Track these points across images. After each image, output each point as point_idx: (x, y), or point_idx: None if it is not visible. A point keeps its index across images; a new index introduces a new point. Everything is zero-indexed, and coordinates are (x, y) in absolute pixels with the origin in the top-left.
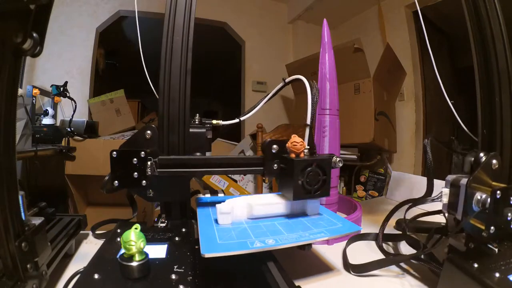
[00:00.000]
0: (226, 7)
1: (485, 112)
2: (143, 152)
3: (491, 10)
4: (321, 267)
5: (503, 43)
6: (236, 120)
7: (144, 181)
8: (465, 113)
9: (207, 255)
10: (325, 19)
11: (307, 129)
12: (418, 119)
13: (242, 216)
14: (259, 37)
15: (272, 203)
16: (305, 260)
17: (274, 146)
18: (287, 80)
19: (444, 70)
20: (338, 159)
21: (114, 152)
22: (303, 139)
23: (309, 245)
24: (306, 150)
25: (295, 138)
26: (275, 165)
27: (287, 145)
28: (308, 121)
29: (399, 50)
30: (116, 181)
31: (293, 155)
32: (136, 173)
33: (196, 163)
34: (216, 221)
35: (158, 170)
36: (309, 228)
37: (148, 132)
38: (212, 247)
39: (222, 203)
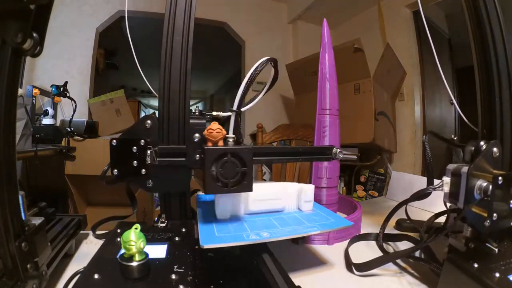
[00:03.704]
0: (226, 7)
1: (485, 112)
2: (142, 141)
3: (491, 10)
4: (322, 267)
5: (503, 43)
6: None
7: (143, 170)
8: (465, 113)
9: (205, 246)
10: (325, 19)
11: (233, 116)
12: (418, 119)
13: (239, 211)
14: (259, 37)
15: (268, 199)
16: (306, 260)
17: (196, 134)
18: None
19: (444, 70)
20: (338, 150)
21: (114, 141)
22: (305, 138)
23: (302, 238)
24: (230, 139)
25: (213, 125)
26: (197, 155)
27: (203, 132)
28: (235, 107)
29: (399, 50)
30: (116, 170)
31: (210, 144)
32: (135, 161)
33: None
34: (214, 215)
35: (158, 159)
36: (302, 222)
37: (148, 121)
38: (211, 239)
39: (221, 197)
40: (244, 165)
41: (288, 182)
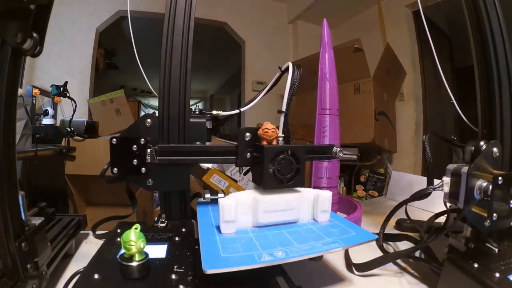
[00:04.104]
0: (226, 7)
1: (485, 112)
2: (142, 139)
3: (491, 10)
4: (322, 267)
5: (503, 43)
6: (237, 111)
7: (143, 169)
8: (465, 113)
9: (209, 272)
10: (325, 19)
11: (282, 117)
12: (418, 119)
13: (247, 224)
14: (259, 37)
15: (280, 210)
16: (306, 260)
17: (247, 134)
18: (283, 68)
19: (444, 70)
20: (338, 149)
21: (114, 139)
22: (305, 138)
23: (321, 256)
24: (280, 139)
25: (267, 125)
26: (248, 153)
27: (258, 132)
28: (284, 108)
29: (399, 50)
30: (116, 169)
31: (264, 143)
32: (135, 160)
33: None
34: (218, 228)
35: (157, 157)
36: (321, 237)
37: (148, 120)
38: (215, 261)
39: (225, 207)
40: (298, 162)
41: (301, 188)
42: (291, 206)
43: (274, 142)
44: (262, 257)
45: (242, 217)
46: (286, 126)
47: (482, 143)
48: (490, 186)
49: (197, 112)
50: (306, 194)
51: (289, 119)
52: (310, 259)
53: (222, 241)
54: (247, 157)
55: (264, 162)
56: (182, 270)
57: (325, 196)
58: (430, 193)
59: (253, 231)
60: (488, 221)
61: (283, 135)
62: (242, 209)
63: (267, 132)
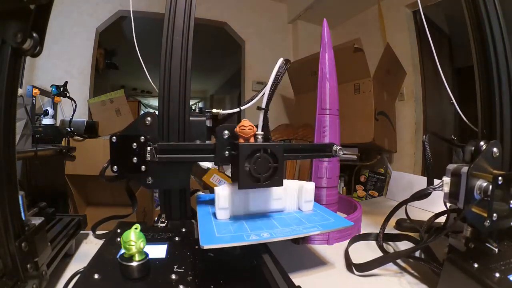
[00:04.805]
0: (226, 7)
1: (485, 112)
2: (142, 137)
3: (491, 10)
4: (322, 267)
5: (503, 43)
6: (237, 110)
7: (143, 167)
8: (465, 113)
9: (206, 247)
10: (325, 19)
11: (261, 114)
12: (418, 119)
13: (239, 212)
14: (259, 37)
15: (267, 199)
16: (306, 260)
17: (225, 132)
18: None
19: (444, 70)
20: (338, 147)
21: (114, 137)
22: (305, 138)
23: (303, 239)
24: (259, 136)
25: (244, 122)
26: (227, 152)
27: (235, 129)
28: (264, 105)
29: (399, 50)
30: (116, 167)
31: (241, 140)
32: (135, 158)
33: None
34: (214, 215)
35: (157, 155)
36: (302, 223)
37: (148, 118)
38: (211, 239)
39: (220, 196)
40: (276, 160)
41: (288, 180)
42: (278, 196)
43: (252, 140)
44: (250, 237)
45: (235, 205)
46: (266, 124)
47: (482, 143)
48: (490, 186)
49: (197, 111)
50: (291, 185)
51: (291, 119)
52: (293, 241)
53: (217, 225)
54: (226, 155)
55: (239, 160)
56: (182, 270)
57: (309, 188)
58: (430, 193)
59: (245, 218)
60: (488, 221)
61: (262, 133)
62: (235, 198)
63: (244, 129)
